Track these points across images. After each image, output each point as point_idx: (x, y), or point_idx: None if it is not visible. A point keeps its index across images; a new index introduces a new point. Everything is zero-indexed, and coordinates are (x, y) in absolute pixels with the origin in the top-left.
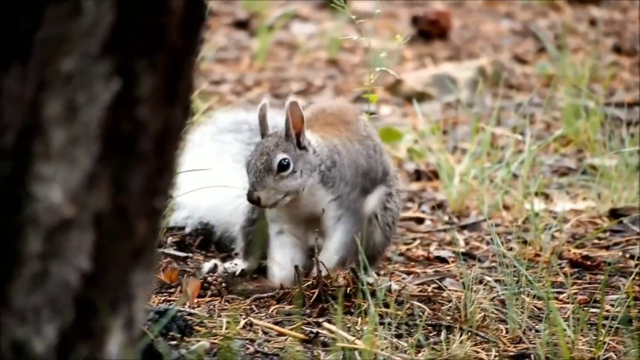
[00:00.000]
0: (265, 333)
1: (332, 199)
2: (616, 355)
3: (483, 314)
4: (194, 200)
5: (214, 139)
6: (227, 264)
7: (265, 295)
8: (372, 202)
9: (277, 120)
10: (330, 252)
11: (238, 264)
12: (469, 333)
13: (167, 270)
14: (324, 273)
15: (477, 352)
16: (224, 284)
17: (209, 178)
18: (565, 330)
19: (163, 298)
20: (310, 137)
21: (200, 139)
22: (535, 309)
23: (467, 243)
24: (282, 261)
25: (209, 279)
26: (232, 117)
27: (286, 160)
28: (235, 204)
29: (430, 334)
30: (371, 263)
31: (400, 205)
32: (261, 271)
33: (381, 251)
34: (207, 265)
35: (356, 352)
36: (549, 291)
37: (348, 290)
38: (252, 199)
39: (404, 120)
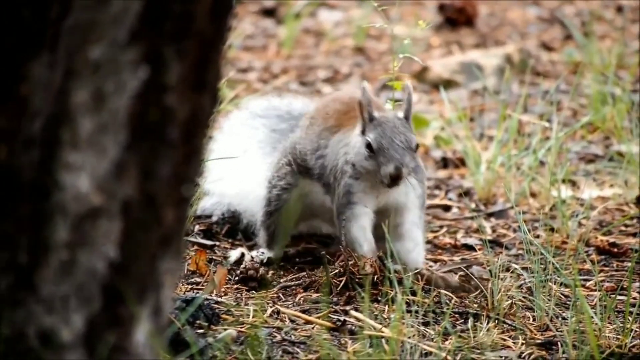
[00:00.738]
0: (292, 321)
1: (419, 195)
2: None
3: (510, 301)
4: (221, 187)
5: (245, 124)
6: (254, 253)
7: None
8: None
9: (293, 106)
10: (419, 250)
11: (265, 252)
12: (496, 321)
13: (194, 259)
14: (417, 267)
15: (504, 340)
16: (263, 272)
17: (237, 165)
18: (592, 317)
19: (190, 286)
20: None
21: (232, 125)
22: (562, 296)
23: (494, 230)
24: (368, 239)
25: (245, 267)
26: (265, 103)
27: (417, 142)
28: (259, 192)
29: (457, 322)
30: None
31: None
32: (286, 260)
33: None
34: (234, 254)
35: (383, 340)
36: (576, 279)
37: (375, 278)
38: (400, 175)
39: (431, 107)
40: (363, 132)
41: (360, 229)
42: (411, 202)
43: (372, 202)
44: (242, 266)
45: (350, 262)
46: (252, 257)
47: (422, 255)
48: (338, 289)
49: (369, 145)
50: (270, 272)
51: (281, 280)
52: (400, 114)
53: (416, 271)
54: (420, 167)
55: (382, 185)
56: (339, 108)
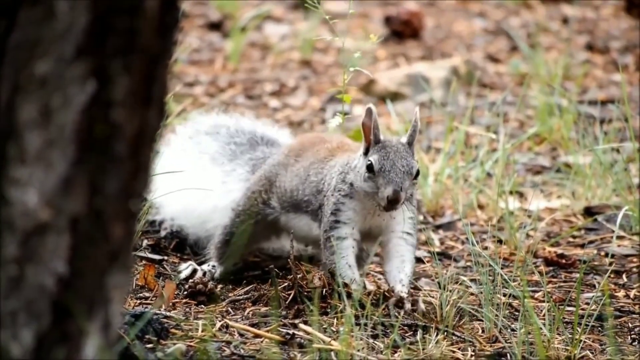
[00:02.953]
0: (241, 335)
1: (410, 217)
2: (592, 353)
3: (459, 313)
4: (169, 202)
5: (193, 141)
6: (205, 267)
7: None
8: None
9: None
10: (405, 288)
11: (216, 267)
12: (445, 333)
13: (143, 274)
14: (403, 293)
15: (454, 352)
16: (211, 286)
17: (186, 180)
18: (541, 328)
19: (139, 301)
20: None
21: (180, 140)
22: (511, 307)
23: (442, 242)
24: (353, 267)
25: (195, 282)
26: (211, 120)
27: (418, 169)
28: (210, 205)
29: (406, 334)
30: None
31: None
32: (235, 273)
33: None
34: (185, 269)
35: (332, 353)
36: (525, 290)
37: (324, 292)
38: (398, 199)
39: (378, 120)
40: (366, 154)
41: (345, 256)
42: (398, 225)
43: (359, 223)
44: (190, 281)
45: (298, 276)
46: (203, 272)
47: (408, 279)
48: (287, 302)
49: (370, 167)
50: (219, 286)
51: (230, 295)
52: (404, 139)
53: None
54: (414, 194)
55: (379, 208)
56: (328, 146)
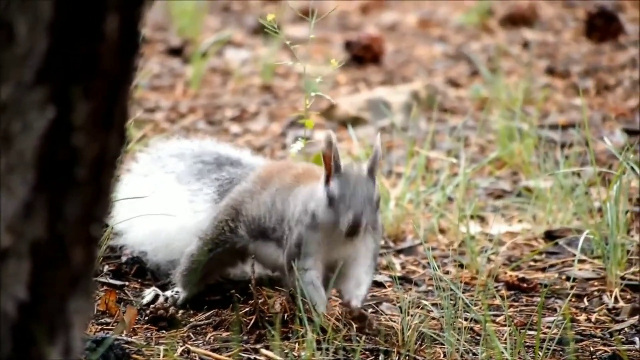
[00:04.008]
0: None
1: (374, 247)
2: None
3: (420, 337)
4: (134, 227)
5: (157, 164)
6: (168, 292)
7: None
8: None
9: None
10: (362, 292)
11: (180, 292)
12: (407, 357)
13: (104, 299)
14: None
15: None
16: (172, 311)
17: (151, 202)
18: (502, 352)
19: (100, 327)
20: None
21: (141, 164)
22: (472, 332)
23: (403, 267)
24: (321, 294)
25: (155, 307)
26: (175, 144)
27: (379, 197)
28: (176, 226)
29: (368, 359)
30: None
31: None
32: (196, 298)
33: None
34: (148, 294)
35: None
36: (486, 314)
37: (285, 316)
38: (359, 224)
39: (339, 145)
40: (327, 182)
41: (312, 284)
42: (362, 256)
43: (323, 254)
44: (152, 306)
45: (260, 301)
46: (166, 297)
47: (363, 296)
48: (248, 327)
49: (330, 195)
50: (181, 311)
51: (191, 320)
52: (365, 167)
53: (349, 307)
54: (378, 221)
55: (341, 235)
56: (294, 172)
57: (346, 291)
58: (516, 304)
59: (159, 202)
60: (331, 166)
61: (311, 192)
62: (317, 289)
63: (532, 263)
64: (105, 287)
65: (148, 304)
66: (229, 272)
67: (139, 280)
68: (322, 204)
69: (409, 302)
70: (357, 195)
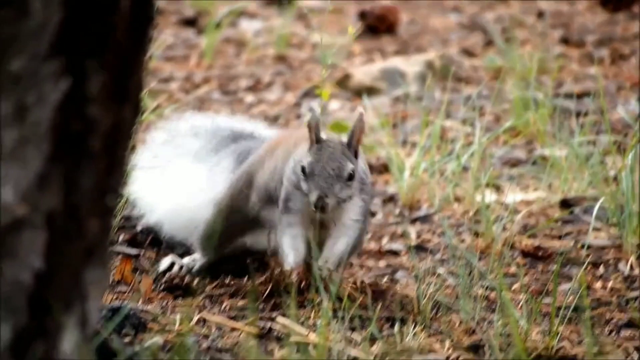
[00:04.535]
0: (219, 328)
1: (361, 205)
2: (570, 344)
3: (436, 306)
4: (157, 205)
5: (171, 144)
6: (186, 260)
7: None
8: None
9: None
10: (335, 254)
11: (196, 259)
12: (423, 325)
13: (120, 268)
14: (324, 274)
15: (431, 344)
16: (188, 280)
17: (171, 181)
18: (518, 320)
19: (116, 296)
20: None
21: (158, 142)
22: (488, 300)
23: (418, 236)
24: (296, 249)
25: (172, 276)
26: (189, 122)
27: (353, 170)
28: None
29: (384, 327)
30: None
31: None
32: (212, 267)
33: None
34: (164, 262)
35: (310, 346)
36: (502, 282)
37: (301, 285)
38: (324, 205)
39: (353, 114)
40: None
41: (291, 237)
42: (348, 217)
43: (308, 214)
44: (167, 274)
45: (276, 272)
46: (181, 265)
47: (336, 256)
48: (264, 295)
49: (303, 169)
50: (196, 280)
51: (207, 289)
52: (345, 140)
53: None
54: (364, 188)
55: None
56: (296, 136)
57: (323, 252)
58: (532, 271)
59: (178, 183)
60: (312, 138)
61: (302, 154)
62: (293, 243)
63: (547, 231)
64: (121, 256)
65: (164, 272)
66: (245, 242)
67: (155, 249)
68: (298, 175)
69: (425, 270)
70: (325, 173)
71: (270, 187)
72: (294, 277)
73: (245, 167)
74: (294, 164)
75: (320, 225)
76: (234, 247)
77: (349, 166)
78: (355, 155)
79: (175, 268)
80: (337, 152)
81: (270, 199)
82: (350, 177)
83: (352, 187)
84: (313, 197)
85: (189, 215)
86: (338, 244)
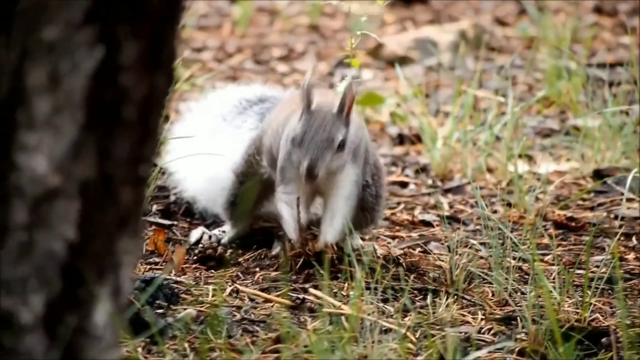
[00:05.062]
0: (251, 300)
1: (353, 179)
2: (602, 316)
3: (469, 277)
4: (190, 177)
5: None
6: (215, 231)
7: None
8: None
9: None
10: (335, 228)
11: (227, 231)
12: (455, 296)
13: (153, 239)
14: (322, 243)
15: (464, 316)
16: (221, 251)
17: (198, 148)
18: (551, 292)
19: (149, 266)
20: (352, 115)
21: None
22: (520, 271)
23: (451, 206)
24: (295, 218)
25: (204, 247)
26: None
27: (343, 140)
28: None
29: (417, 298)
30: (372, 221)
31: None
32: (243, 239)
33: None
34: (194, 234)
35: (343, 318)
36: (534, 253)
37: (333, 257)
38: (312, 174)
39: (386, 84)
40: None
41: (289, 207)
42: (341, 186)
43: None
44: (200, 245)
45: (307, 247)
46: (210, 236)
47: (336, 230)
48: (297, 267)
49: (294, 135)
50: (229, 251)
51: (239, 260)
52: (334, 108)
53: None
54: (359, 154)
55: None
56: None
57: (321, 227)
58: (564, 243)
59: (209, 147)
60: (304, 104)
61: (294, 123)
62: (293, 212)
63: (580, 202)
64: (153, 227)
65: (195, 243)
66: (271, 210)
67: (188, 220)
68: (289, 143)
69: (457, 241)
70: (314, 141)
71: (273, 151)
72: (297, 246)
73: (257, 132)
74: (287, 133)
75: (316, 193)
76: (260, 214)
77: (340, 136)
78: (347, 125)
79: (205, 238)
80: (328, 121)
81: (275, 163)
82: (341, 146)
83: (343, 157)
84: (302, 167)
85: (220, 185)
86: (335, 221)
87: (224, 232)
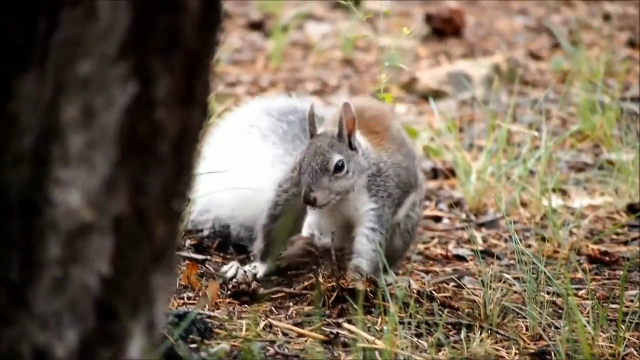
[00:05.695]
0: (285, 334)
1: (373, 208)
2: (637, 350)
3: (503, 311)
4: (218, 198)
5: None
6: (246, 267)
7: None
8: (401, 213)
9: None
10: (365, 257)
11: (257, 266)
12: (489, 331)
13: (186, 273)
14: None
15: (498, 350)
16: (255, 286)
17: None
18: (585, 326)
19: (182, 301)
20: (360, 138)
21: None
22: (554, 305)
23: (485, 241)
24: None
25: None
26: (258, 102)
27: (341, 161)
28: (262, 199)
29: (450, 333)
30: (389, 265)
31: (421, 212)
32: (277, 273)
33: (399, 255)
34: (227, 268)
35: (377, 352)
36: (568, 287)
37: (367, 290)
38: (309, 199)
39: (420, 118)
40: None
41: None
42: (363, 218)
43: (328, 214)
44: (234, 280)
45: (340, 280)
46: (244, 271)
47: (365, 265)
48: (330, 301)
49: (294, 166)
50: (262, 286)
51: (273, 295)
52: (336, 131)
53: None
54: (379, 186)
55: None
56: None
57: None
58: (598, 277)
59: (244, 166)
60: (309, 132)
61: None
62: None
63: (614, 236)
64: (187, 262)
65: (230, 279)
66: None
67: (221, 254)
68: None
69: (491, 275)
70: (311, 167)
71: None
72: (360, 287)
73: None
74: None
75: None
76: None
77: (336, 158)
78: (351, 147)
79: (240, 273)
80: (325, 144)
81: None
82: (339, 168)
83: (347, 179)
84: (302, 192)
85: (255, 208)
86: (362, 264)
87: (255, 267)
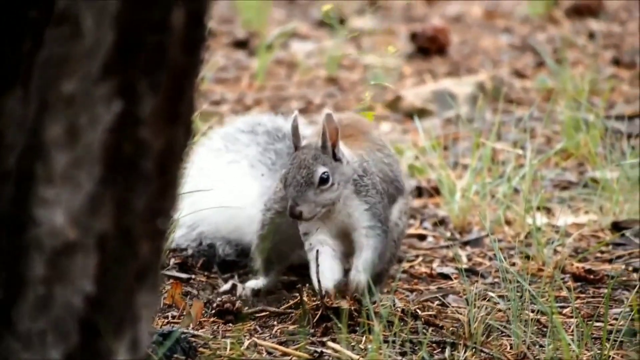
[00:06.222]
0: (269, 353)
1: (365, 209)
2: None
3: (487, 329)
4: (205, 216)
5: (228, 140)
6: (249, 283)
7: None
8: (394, 214)
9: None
10: (360, 274)
11: (260, 280)
12: (473, 349)
13: (170, 292)
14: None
15: None
16: (239, 305)
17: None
18: (569, 344)
19: (167, 320)
20: (343, 148)
21: (214, 141)
22: (539, 323)
23: (469, 259)
24: (323, 272)
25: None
26: (247, 119)
27: (326, 173)
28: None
29: (435, 352)
30: (379, 281)
31: (407, 222)
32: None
33: (387, 268)
34: (225, 286)
35: None
36: (553, 306)
37: (352, 309)
38: (294, 213)
39: (404, 136)
40: None
41: (316, 272)
42: (358, 221)
43: (324, 227)
44: (218, 299)
45: (325, 300)
46: (244, 287)
47: (364, 261)
48: (315, 320)
49: (280, 180)
50: (247, 304)
51: (257, 314)
52: (320, 143)
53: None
54: (367, 185)
55: None
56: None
57: (353, 263)
58: (583, 295)
59: (230, 189)
60: (293, 145)
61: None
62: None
63: (598, 254)
64: (171, 280)
65: (224, 293)
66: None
67: (205, 273)
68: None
69: (476, 294)
70: (295, 180)
71: None
72: (344, 305)
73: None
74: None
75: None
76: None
77: (320, 170)
78: (335, 158)
79: (239, 290)
80: (309, 157)
81: None
82: (324, 181)
83: (333, 191)
84: (288, 207)
85: (238, 227)
86: (364, 253)
87: (256, 283)
